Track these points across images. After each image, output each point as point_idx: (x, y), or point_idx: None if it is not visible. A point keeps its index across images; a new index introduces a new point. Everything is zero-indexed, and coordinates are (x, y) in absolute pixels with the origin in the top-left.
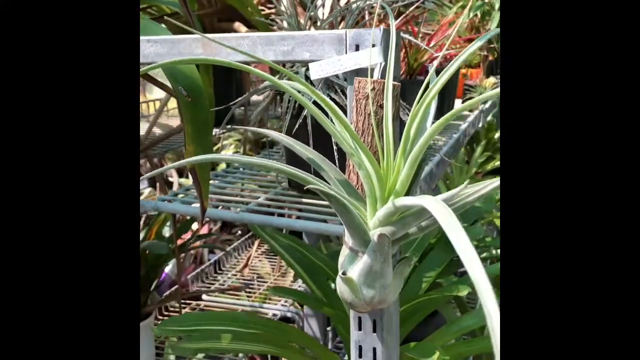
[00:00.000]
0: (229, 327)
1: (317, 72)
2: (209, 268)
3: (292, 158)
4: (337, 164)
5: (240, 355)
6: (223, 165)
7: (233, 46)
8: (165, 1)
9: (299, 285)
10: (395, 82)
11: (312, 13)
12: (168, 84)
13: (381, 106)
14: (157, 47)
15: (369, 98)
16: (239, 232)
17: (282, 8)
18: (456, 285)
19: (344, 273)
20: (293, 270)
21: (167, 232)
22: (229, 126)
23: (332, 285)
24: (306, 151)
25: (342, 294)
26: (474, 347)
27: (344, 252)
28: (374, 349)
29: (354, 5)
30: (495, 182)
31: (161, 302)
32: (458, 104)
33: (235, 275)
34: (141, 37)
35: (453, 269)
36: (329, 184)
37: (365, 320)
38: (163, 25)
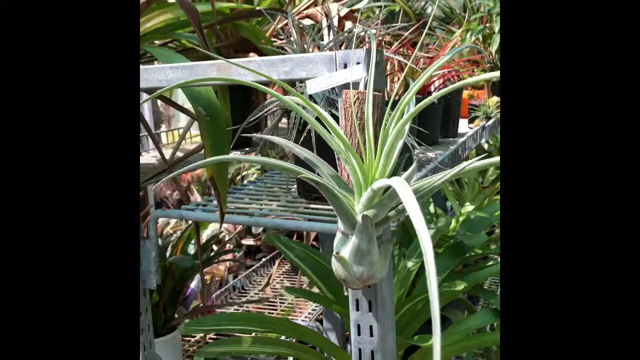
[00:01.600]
0: (246, 327)
1: (313, 87)
2: (231, 290)
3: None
4: (337, 169)
5: (262, 356)
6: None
7: (241, 70)
8: (186, 36)
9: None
10: (376, 93)
11: (315, 40)
12: (190, 108)
13: (364, 112)
14: (178, 73)
15: (353, 106)
16: (263, 258)
17: (292, 39)
18: (454, 282)
19: (337, 253)
20: (307, 277)
21: (191, 249)
22: (253, 135)
23: (343, 288)
24: (303, 152)
25: (336, 271)
26: (475, 341)
27: (338, 236)
28: (371, 327)
29: (353, 31)
30: (452, 171)
31: (187, 316)
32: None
33: (258, 294)
34: (164, 65)
35: (458, 276)
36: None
37: (362, 301)
38: (183, 57)
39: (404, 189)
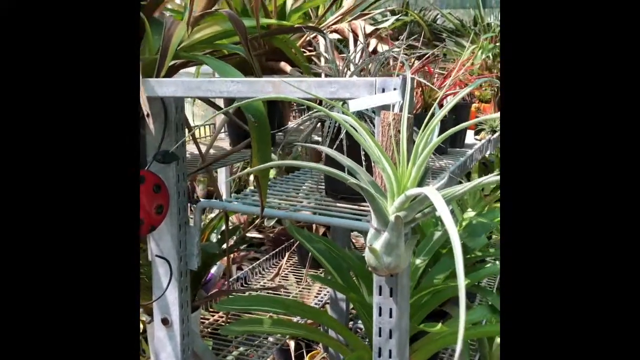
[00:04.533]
0: (272, 308)
1: (355, 106)
2: (234, 281)
3: (332, 164)
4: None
5: (270, 339)
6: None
7: (294, 88)
8: (230, 47)
9: (323, 294)
10: (409, 115)
11: (349, 58)
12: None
13: (399, 131)
14: (239, 86)
15: (390, 125)
16: (266, 253)
17: (322, 50)
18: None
19: (370, 245)
20: (323, 266)
21: (213, 238)
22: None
23: (351, 275)
24: (346, 160)
25: (368, 260)
26: (474, 331)
27: (371, 232)
28: (390, 310)
29: (380, 55)
30: (472, 183)
31: (207, 299)
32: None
33: (263, 285)
34: (226, 79)
35: (450, 282)
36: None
37: (384, 288)
38: (236, 70)
39: (436, 197)
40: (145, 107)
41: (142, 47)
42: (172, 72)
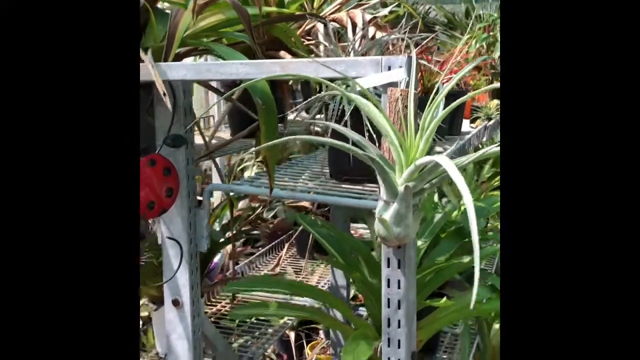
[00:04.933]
0: (277, 289)
1: (364, 84)
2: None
3: (334, 153)
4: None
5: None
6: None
7: (302, 67)
8: (235, 35)
9: (323, 284)
10: (415, 91)
11: (351, 43)
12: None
13: (406, 106)
14: (247, 68)
15: (398, 101)
16: (261, 248)
17: (321, 38)
18: (461, 257)
19: (380, 216)
20: (326, 249)
21: (217, 227)
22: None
23: (352, 256)
24: (355, 135)
25: (378, 232)
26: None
27: (380, 204)
28: (399, 281)
29: (382, 39)
30: (477, 154)
31: (211, 287)
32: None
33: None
34: (235, 61)
35: (458, 257)
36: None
37: (392, 260)
38: (243, 55)
39: (447, 162)
40: (160, 87)
41: (146, 35)
42: (175, 60)
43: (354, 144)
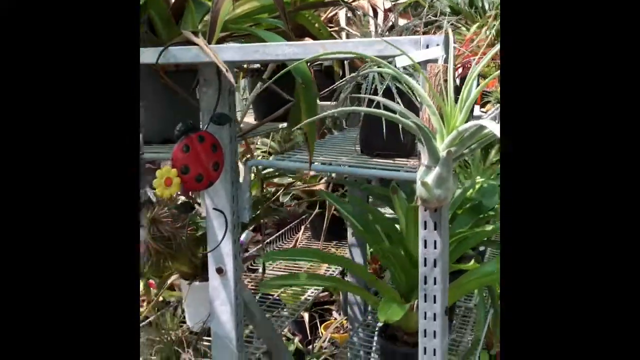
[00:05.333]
0: (311, 258)
1: (403, 62)
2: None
3: (366, 130)
4: None
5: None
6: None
7: (343, 47)
8: (270, 20)
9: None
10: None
11: (378, 26)
12: None
13: (445, 80)
14: (293, 49)
15: (438, 75)
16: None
17: (343, 24)
18: (484, 225)
19: (422, 180)
20: (351, 224)
21: None
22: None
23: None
24: (398, 106)
25: (420, 194)
26: (489, 278)
27: (421, 169)
28: (435, 241)
29: (408, 24)
30: None
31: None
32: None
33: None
34: (281, 42)
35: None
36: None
37: (429, 222)
38: (282, 37)
39: (493, 125)
40: (221, 65)
41: (184, 21)
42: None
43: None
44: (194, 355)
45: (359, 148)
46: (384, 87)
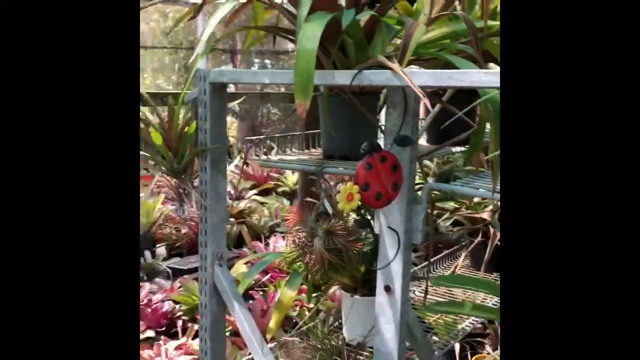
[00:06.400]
0: (478, 288)
1: None
2: None
3: None
4: None
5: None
6: None
7: None
8: (459, 46)
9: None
10: None
11: None
12: None
13: None
14: (489, 77)
15: None
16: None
17: None
18: None
19: None
20: None
21: None
22: None
23: None
24: None
25: None
26: None
27: None
28: None
29: None
30: None
31: None
32: None
33: None
34: (478, 70)
35: None
36: None
37: None
38: (473, 64)
39: None
40: (417, 90)
41: (374, 44)
42: None
43: None
44: None
45: None
46: None
